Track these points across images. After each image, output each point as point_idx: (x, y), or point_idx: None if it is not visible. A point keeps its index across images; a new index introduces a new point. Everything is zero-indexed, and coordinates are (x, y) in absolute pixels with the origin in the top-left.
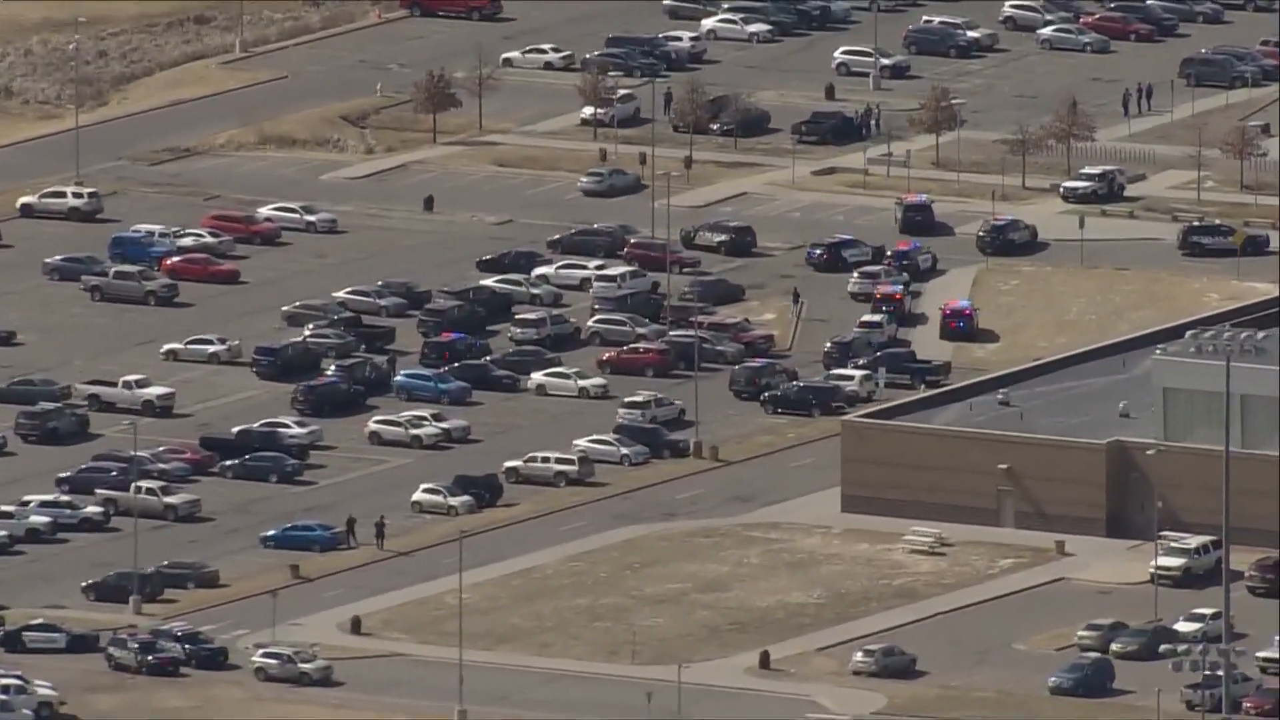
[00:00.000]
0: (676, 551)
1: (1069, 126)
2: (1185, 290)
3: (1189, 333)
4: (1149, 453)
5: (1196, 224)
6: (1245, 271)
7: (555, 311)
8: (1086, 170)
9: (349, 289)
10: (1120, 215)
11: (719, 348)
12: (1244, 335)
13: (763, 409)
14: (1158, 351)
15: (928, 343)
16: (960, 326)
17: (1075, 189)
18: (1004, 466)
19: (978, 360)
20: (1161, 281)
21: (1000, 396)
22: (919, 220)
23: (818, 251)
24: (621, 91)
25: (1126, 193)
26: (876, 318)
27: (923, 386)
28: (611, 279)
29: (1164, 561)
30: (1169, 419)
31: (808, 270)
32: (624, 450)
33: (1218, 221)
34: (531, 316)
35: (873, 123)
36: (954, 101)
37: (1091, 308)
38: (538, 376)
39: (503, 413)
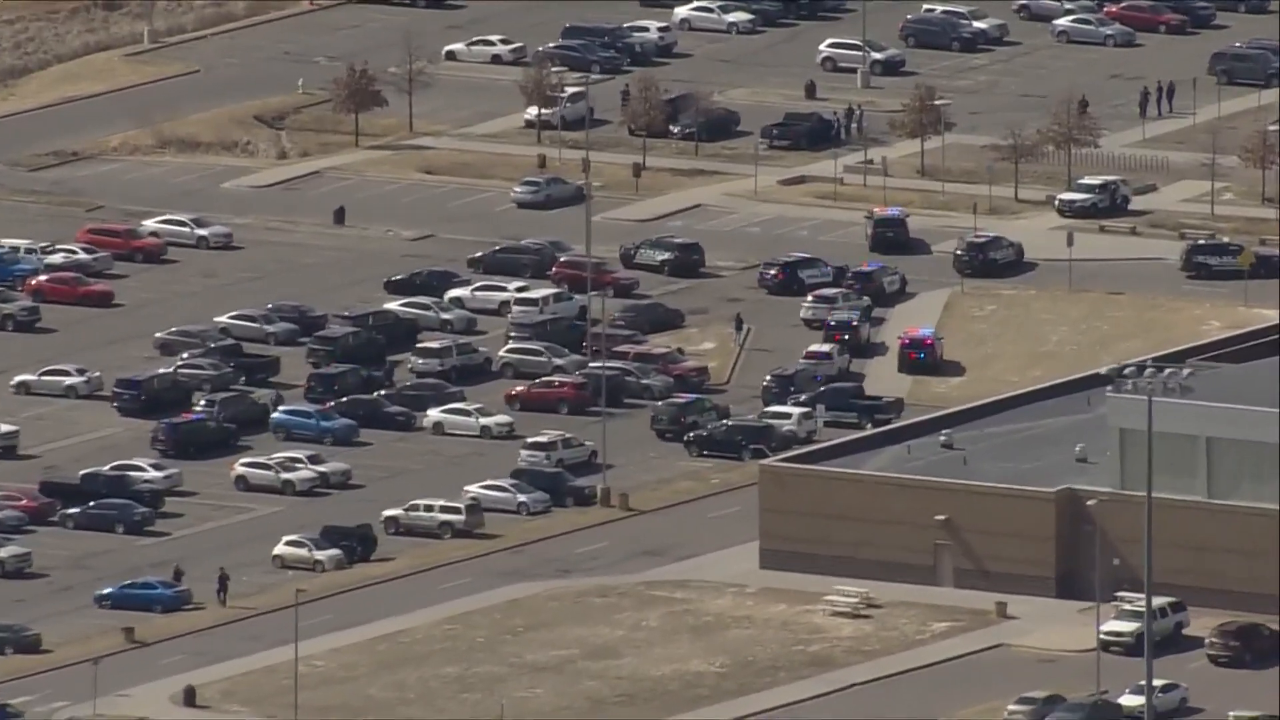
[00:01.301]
0: (566, 613)
1: (1070, 130)
2: (1184, 318)
3: (1107, 368)
4: (1090, 503)
5: (1201, 243)
6: (1255, 296)
7: (462, 340)
8: (1086, 181)
9: (233, 313)
10: (1121, 232)
11: (645, 381)
12: (1167, 371)
13: (687, 451)
14: (1108, 389)
15: (884, 376)
16: (920, 358)
17: (1072, 202)
18: (942, 518)
19: (937, 396)
20: (1158, 308)
21: (943, 438)
22: (891, 237)
23: (772, 272)
24: (571, 89)
25: (1131, 206)
26: (826, 348)
27: (869, 426)
28: (533, 303)
29: (1114, 627)
30: (1126, 465)
31: (760, 293)
32: (521, 498)
33: (1226, 240)
34: (434, 345)
35: (854, 126)
36: (940, 102)
37: (1074, 337)
38: (434, 413)
39: (393, 454)
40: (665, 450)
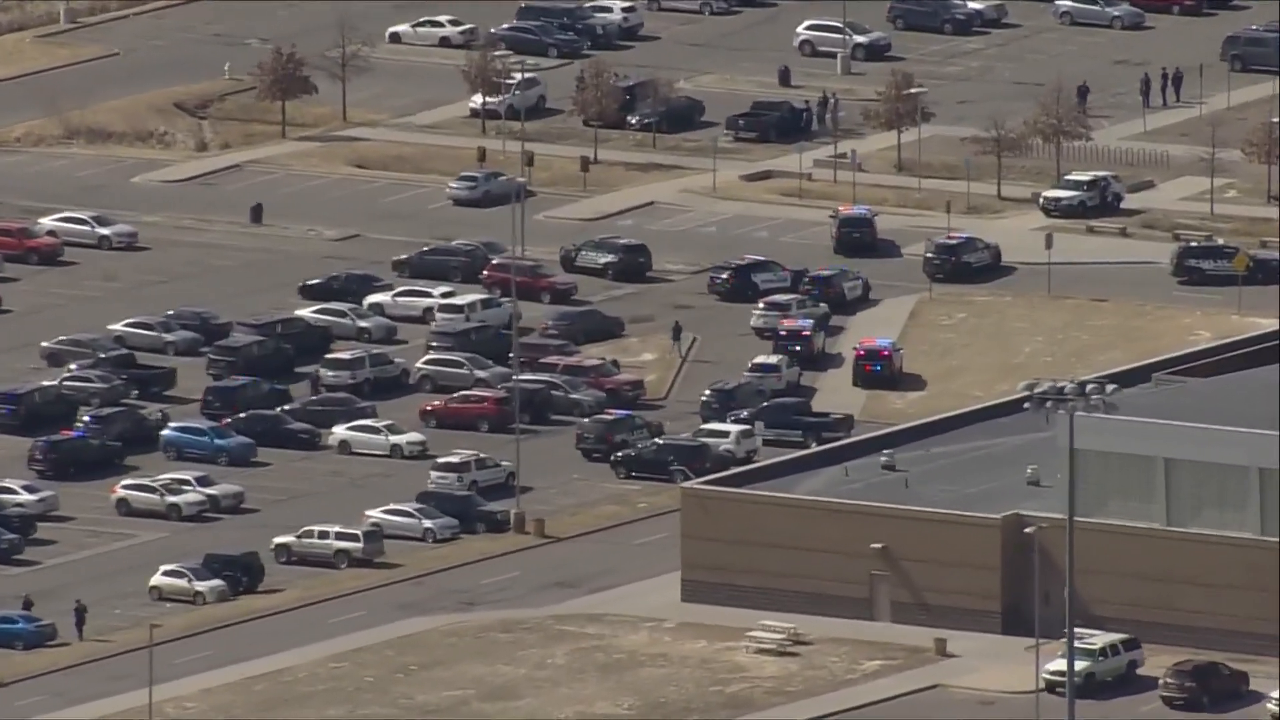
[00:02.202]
0: (466, 650)
1: (1059, 121)
2: (1171, 327)
3: (1022, 383)
4: (1028, 530)
5: (1194, 245)
6: (1251, 303)
7: (376, 350)
8: (1073, 177)
9: (129, 320)
10: (1110, 233)
11: (573, 396)
12: (1089, 386)
13: (614, 472)
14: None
15: (837, 391)
16: (876, 370)
17: (1058, 200)
18: (878, 546)
19: (894, 412)
20: (1144, 316)
21: (884, 459)
22: (857, 238)
23: (723, 276)
24: (520, 75)
25: (1124, 205)
26: (774, 359)
27: (813, 445)
28: (458, 310)
29: (1061, 665)
30: (1078, 487)
31: (710, 300)
32: (427, 524)
33: (1221, 242)
34: (345, 356)
35: (829, 116)
36: (916, 90)
37: (1050, 348)
38: (340, 431)
39: (293, 475)
40: (591, 471)
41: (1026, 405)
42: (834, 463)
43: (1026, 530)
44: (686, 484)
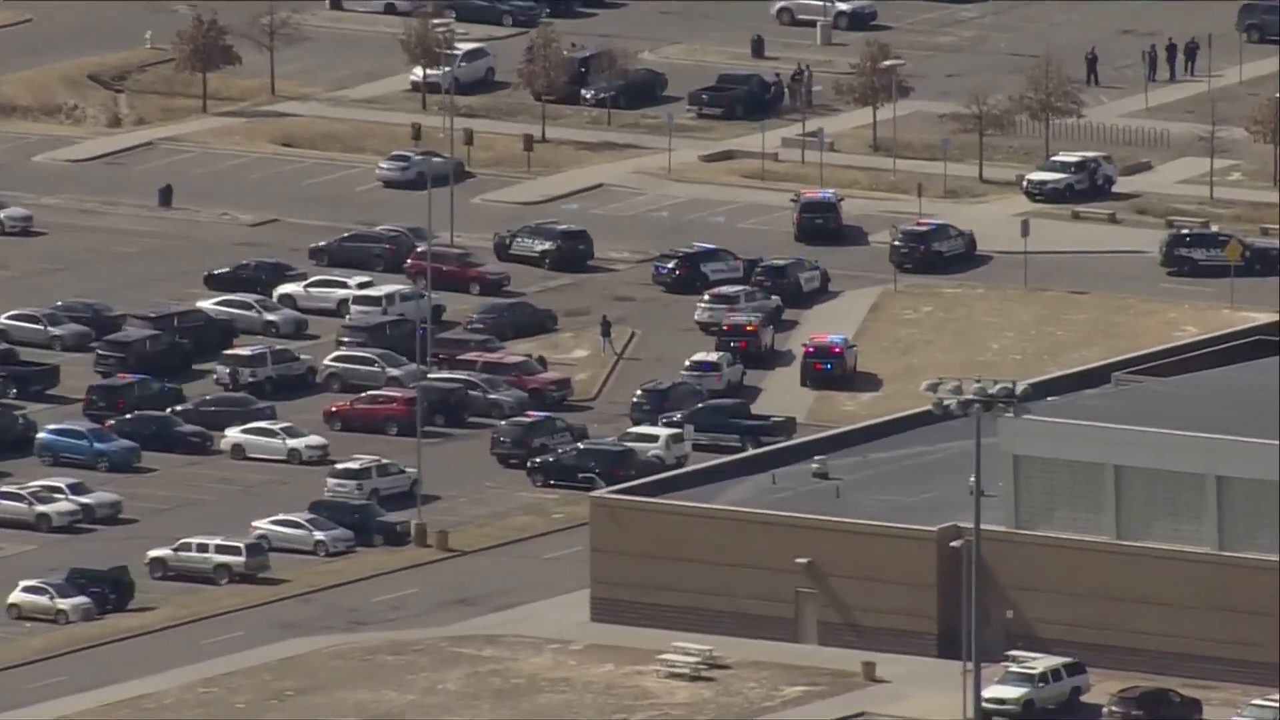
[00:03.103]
0: (350, 673)
1: (1048, 97)
2: (1155, 322)
3: (925, 382)
4: (955, 544)
5: (1185, 232)
6: (1246, 296)
7: (279, 345)
8: (1060, 158)
9: (13, 312)
10: (1097, 219)
11: (492, 396)
12: (998, 385)
13: (530, 480)
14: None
15: (783, 391)
16: (827, 369)
17: (1043, 183)
18: (804, 561)
19: (845, 414)
20: (1126, 310)
21: (815, 466)
22: (819, 224)
23: (669, 266)
24: (467, 46)
25: (1116, 188)
26: (713, 357)
27: (750, 449)
28: (375, 302)
29: (998, 692)
30: (1022, 498)
31: (655, 290)
32: (318, 535)
33: (1216, 229)
34: (245, 352)
35: (803, 91)
36: (892, 62)
37: (1021, 344)
38: (234, 434)
39: (179, 482)
40: (506, 479)
41: (931, 407)
42: (764, 470)
43: (953, 544)
44: (596, 493)
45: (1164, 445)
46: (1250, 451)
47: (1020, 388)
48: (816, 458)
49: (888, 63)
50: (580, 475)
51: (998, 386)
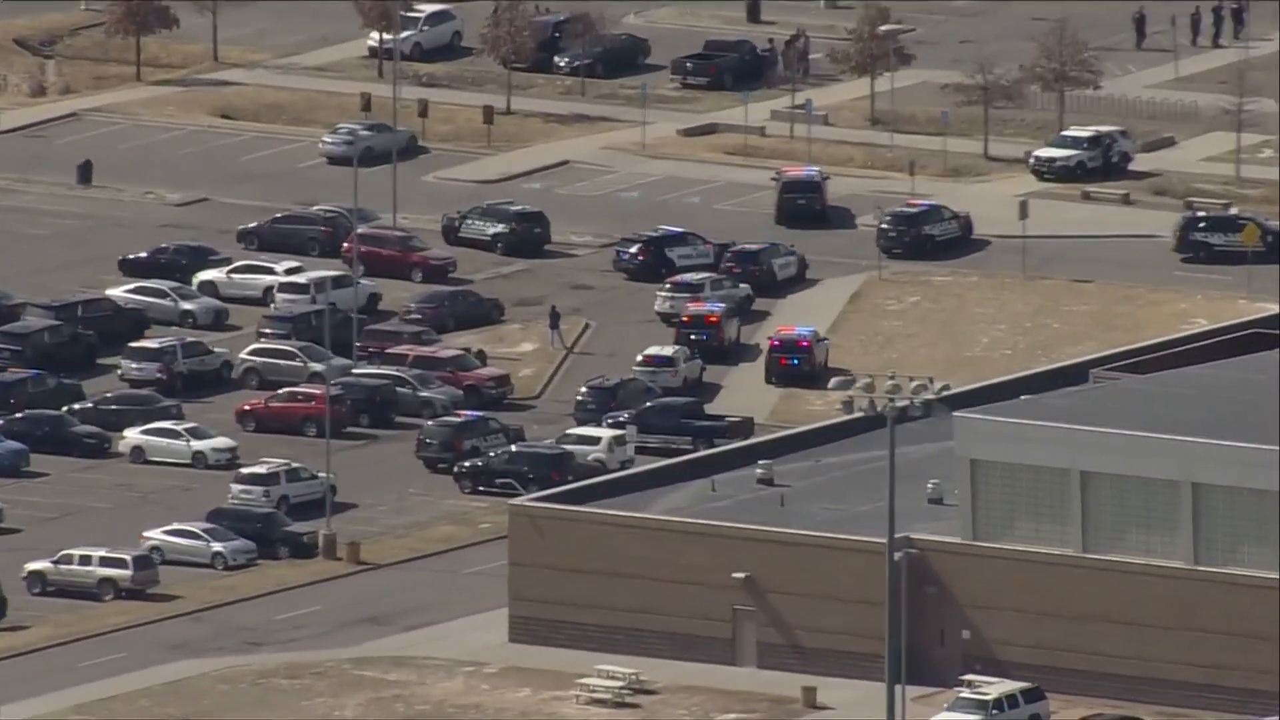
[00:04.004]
0: (239, 699)
1: (1061, 65)
2: (1162, 314)
3: (833, 380)
4: (897, 556)
5: (1200, 215)
6: (1265, 285)
7: (190, 338)
8: (1071, 133)
9: None
10: (1109, 200)
11: (424, 394)
12: (914, 384)
13: (458, 486)
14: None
15: (746, 388)
16: (794, 364)
17: (1051, 160)
18: (741, 576)
19: (812, 414)
20: (1132, 300)
21: (760, 471)
22: (802, 205)
23: (631, 250)
24: (431, 8)
25: (1134, 166)
26: (668, 351)
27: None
28: (303, 289)
29: (952, 718)
30: (980, 507)
31: (617, 278)
32: (216, 547)
33: (1236, 212)
34: (152, 345)
35: (797, 59)
36: (892, 28)
37: (1013, 338)
38: (133, 435)
39: (72, 488)
40: (433, 484)
41: (839, 406)
42: (705, 475)
43: (897, 556)
44: (516, 501)
45: (1135, 449)
46: (1230, 455)
47: (936, 387)
48: (761, 462)
49: (885, 28)
50: (500, 481)
51: (913, 385)
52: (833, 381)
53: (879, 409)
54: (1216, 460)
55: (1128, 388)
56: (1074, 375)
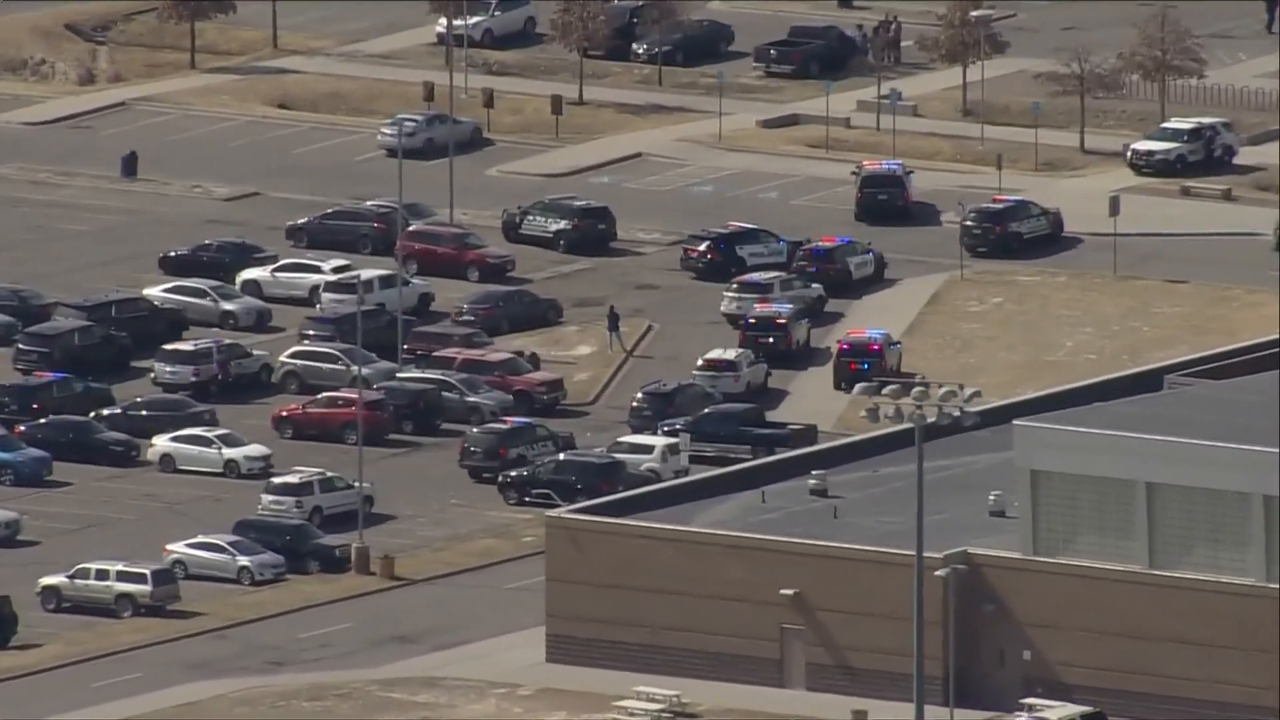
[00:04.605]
0: None
1: (1163, 54)
2: (1259, 315)
3: (859, 385)
4: (939, 573)
5: None
6: None
7: (229, 340)
8: (1171, 125)
9: None
10: (1210, 196)
11: (471, 399)
12: (943, 390)
13: (502, 496)
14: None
15: (814, 394)
16: (864, 369)
17: (1150, 154)
18: (790, 593)
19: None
20: (1229, 301)
21: (813, 482)
22: (883, 200)
23: (700, 248)
24: None
25: (1238, 160)
26: (731, 354)
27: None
28: (350, 289)
29: None
30: (1041, 521)
31: (684, 277)
32: (243, 560)
33: None
34: (188, 347)
35: (886, 46)
36: (983, 13)
37: (1098, 342)
38: (163, 443)
39: (96, 498)
40: (476, 495)
41: (864, 414)
42: (756, 486)
43: (938, 573)
44: (554, 513)
45: (1204, 459)
46: None
47: (966, 395)
48: (815, 472)
49: (977, 13)
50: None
51: (943, 392)
52: (858, 388)
53: (905, 417)
54: None
55: (1200, 395)
56: (1149, 382)
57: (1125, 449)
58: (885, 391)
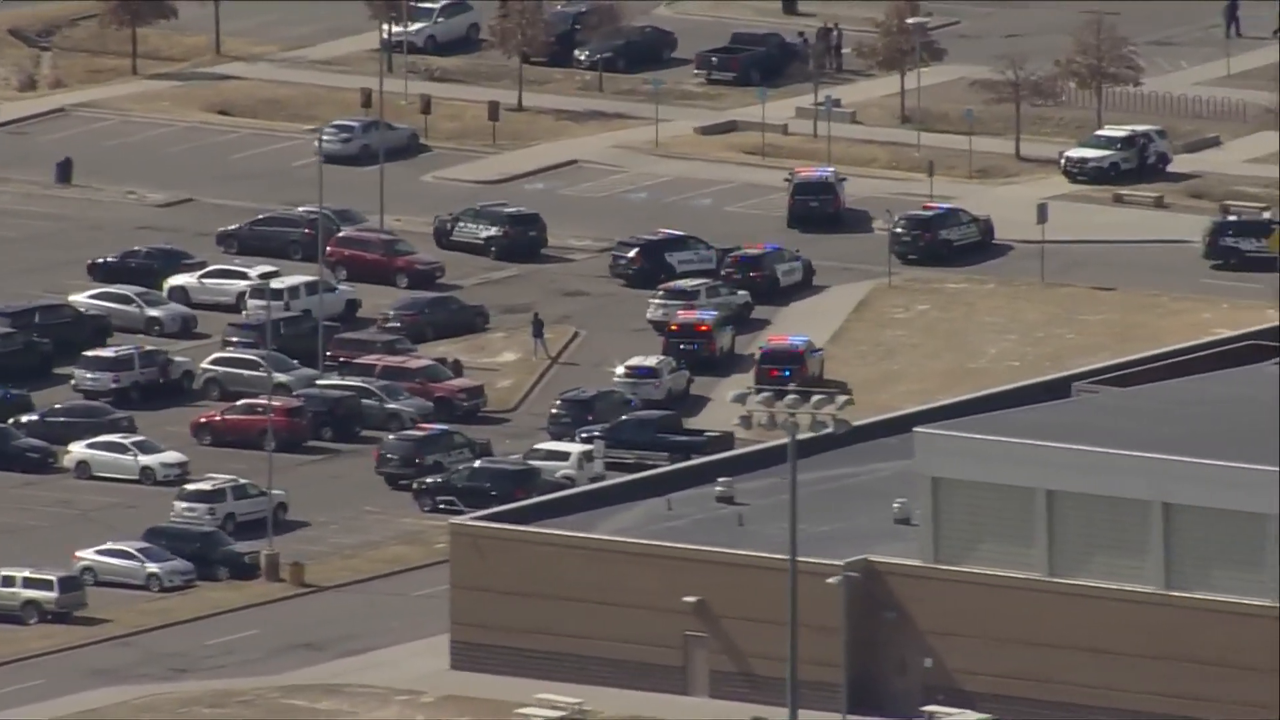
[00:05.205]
0: None
1: (1099, 61)
2: (1183, 323)
3: (731, 394)
4: (830, 580)
5: (1231, 219)
6: None
7: (150, 347)
8: (1105, 133)
9: None
10: (1142, 203)
11: (391, 406)
12: (816, 397)
13: (418, 504)
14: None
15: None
16: (785, 376)
17: (1083, 161)
18: (692, 600)
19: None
20: (1155, 309)
21: (720, 489)
22: (814, 207)
23: (629, 255)
24: None
25: (1173, 168)
26: (652, 361)
27: None
28: (276, 295)
29: None
30: (942, 528)
31: (613, 284)
32: (151, 567)
33: (1268, 216)
34: (109, 354)
35: (827, 53)
36: (919, 20)
37: (1023, 349)
38: (78, 449)
39: (10, 505)
40: (392, 502)
41: (736, 421)
42: (663, 493)
43: (829, 580)
44: (457, 520)
45: (1103, 467)
46: (1204, 474)
47: (839, 404)
48: (721, 479)
49: (913, 20)
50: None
51: (814, 400)
52: (731, 395)
53: (778, 424)
54: (1190, 479)
55: (1102, 403)
56: (1060, 389)
57: (1025, 456)
58: (759, 399)
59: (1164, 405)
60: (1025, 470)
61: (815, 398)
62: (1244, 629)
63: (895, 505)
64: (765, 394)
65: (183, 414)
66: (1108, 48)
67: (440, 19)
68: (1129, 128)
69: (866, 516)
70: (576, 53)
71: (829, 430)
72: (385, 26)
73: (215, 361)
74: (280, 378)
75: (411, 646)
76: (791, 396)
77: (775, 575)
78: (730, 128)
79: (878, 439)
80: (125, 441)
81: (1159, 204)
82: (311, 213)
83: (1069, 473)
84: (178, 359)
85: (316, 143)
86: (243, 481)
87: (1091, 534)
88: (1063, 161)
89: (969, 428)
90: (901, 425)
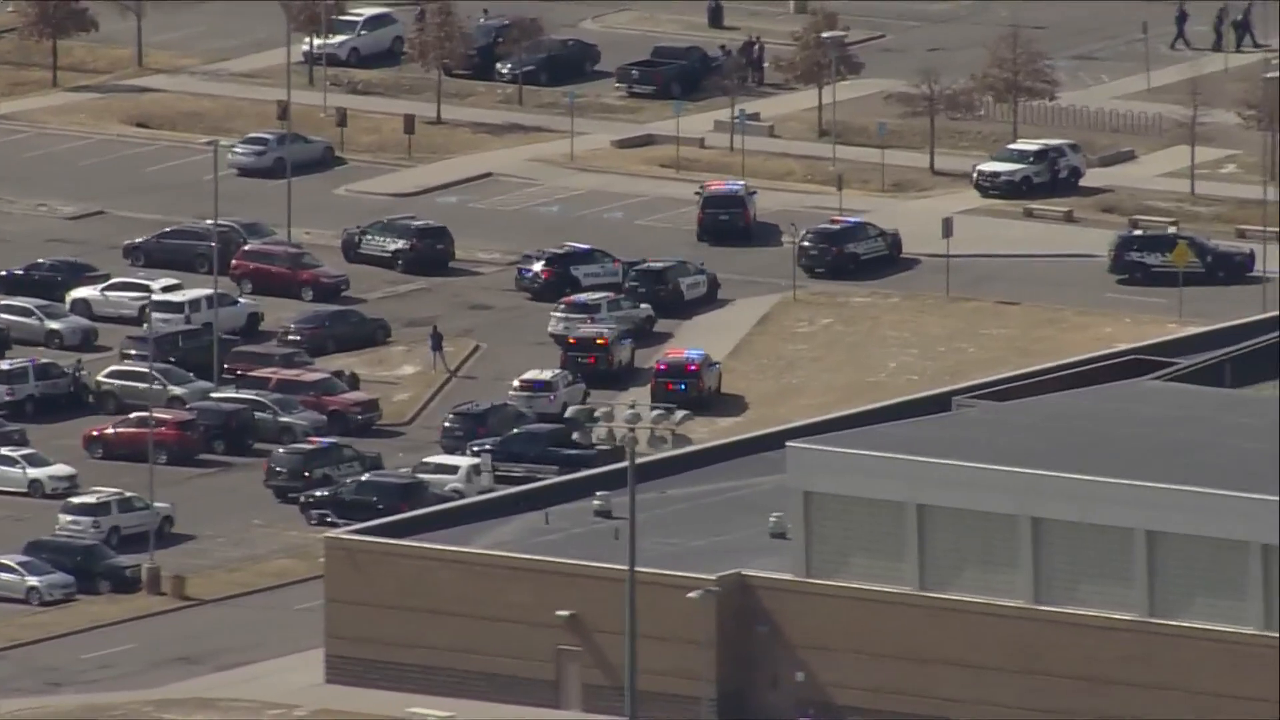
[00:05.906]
0: None
1: (1015, 75)
2: (1085, 337)
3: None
4: (692, 595)
5: (1136, 234)
6: (1200, 307)
7: (45, 360)
8: (1017, 146)
9: None
10: (1052, 217)
11: (285, 419)
12: (655, 413)
13: (305, 517)
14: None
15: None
16: (680, 390)
17: (995, 175)
18: (566, 614)
19: (696, 442)
20: (1058, 322)
21: (598, 503)
22: (724, 221)
23: (535, 269)
24: (370, 11)
25: (1084, 181)
26: (547, 374)
27: None
28: (177, 308)
29: None
30: (814, 542)
31: (519, 297)
32: (32, 580)
33: (1173, 230)
34: (3, 366)
35: (747, 66)
36: (835, 34)
37: (922, 363)
38: None
39: None
40: (279, 515)
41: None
42: (543, 506)
43: (690, 595)
44: (332, 533)
45: (972, 481)
46: (1070, 489)
47: (678, 418)
48: (599, 493)
49: (829, 34)
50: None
51: (655, 413)
52: (570, 410)
53: (619, 440)
54: (1057, 494)
55: (974, 418)
56: (941, 404)
57: (895, 471)
58: (598, 414)
59: (1038, 420)
60: (896, 485)
61: (654, 413)
62: (1111, 643)
63: (772, 519)
64: (605, 409)
65: (77, 426)
66: (1023, 61)
67: (364, 32)
68: (1042, 142)
69: (744, 530)
70: (498, 66)
71: (668, 446)
72: (308, 40)
73: (111, 374)
74: (175, 390)
75: (288, 660)
76: (629, 412)
77: (644, 589)
78: (647, 141)
79: (760, 453)
80: (14, 454)
81: (1069, 218)
82: (220, 226)
83: (940, 488)
84: (75, 373)
85: (217, 155)
86: (128, 495)
87: (961, 548)
88: (975, 175)
89: (842, 442)
90: (783, 440)
